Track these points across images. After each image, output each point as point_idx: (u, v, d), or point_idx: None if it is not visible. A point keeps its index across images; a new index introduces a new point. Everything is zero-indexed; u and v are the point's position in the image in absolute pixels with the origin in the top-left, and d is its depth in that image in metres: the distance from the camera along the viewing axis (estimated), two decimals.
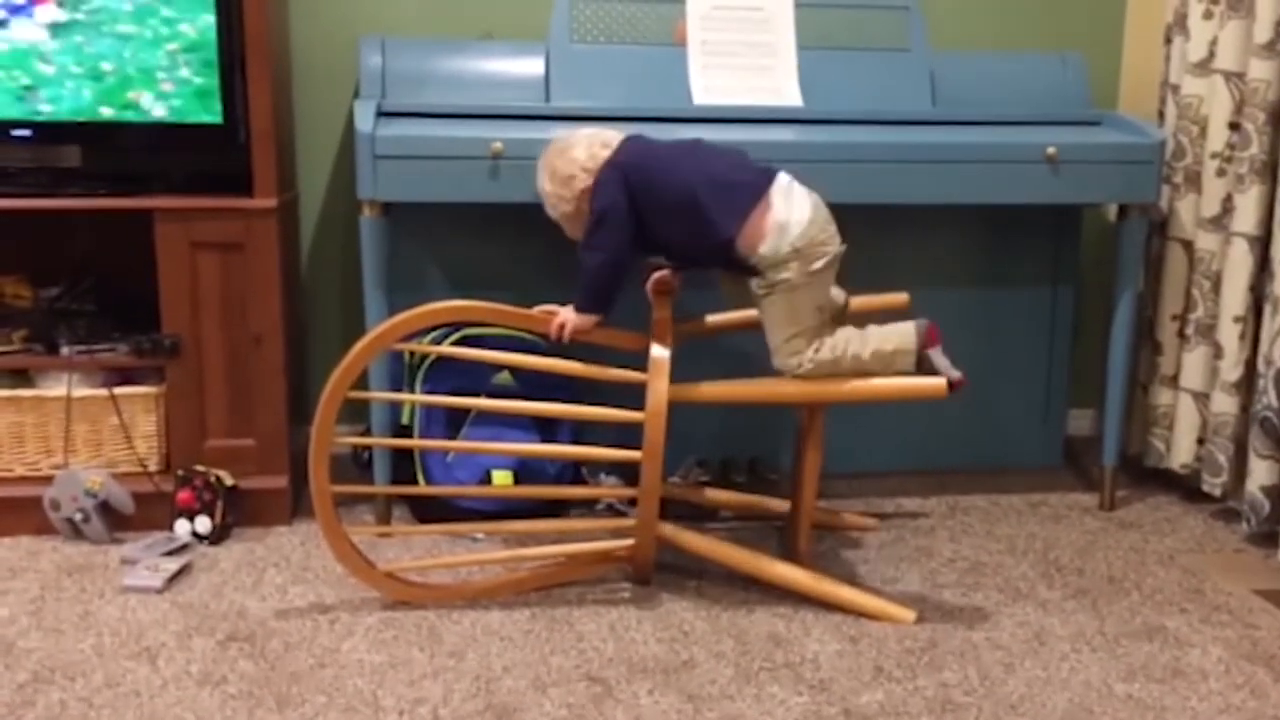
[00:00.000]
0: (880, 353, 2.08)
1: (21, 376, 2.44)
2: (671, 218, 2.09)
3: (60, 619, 2.03)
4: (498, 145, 2.28)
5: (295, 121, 2.76)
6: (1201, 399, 2.61)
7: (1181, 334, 2.66)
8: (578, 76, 2.56)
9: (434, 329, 2.49)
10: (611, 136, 2.17)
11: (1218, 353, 2.54)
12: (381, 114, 2.38)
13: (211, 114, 2.41)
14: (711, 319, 2.35)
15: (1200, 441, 2.63)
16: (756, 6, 2.58)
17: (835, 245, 2.10)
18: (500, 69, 2.62)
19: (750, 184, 2.08)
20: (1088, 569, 2.33)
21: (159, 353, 2.39)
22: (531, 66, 2.60)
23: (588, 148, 2.14)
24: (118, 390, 2.41)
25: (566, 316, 2.15)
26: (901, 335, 2.09)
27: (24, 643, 1.95)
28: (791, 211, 2.06)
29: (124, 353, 2.42)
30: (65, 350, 2.41)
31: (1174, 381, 2.68)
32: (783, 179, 2.10)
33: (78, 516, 2.31)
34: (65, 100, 2.38)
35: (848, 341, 2.09)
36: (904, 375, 2.10)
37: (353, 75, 2.67)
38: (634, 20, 2.60)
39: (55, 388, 2.41)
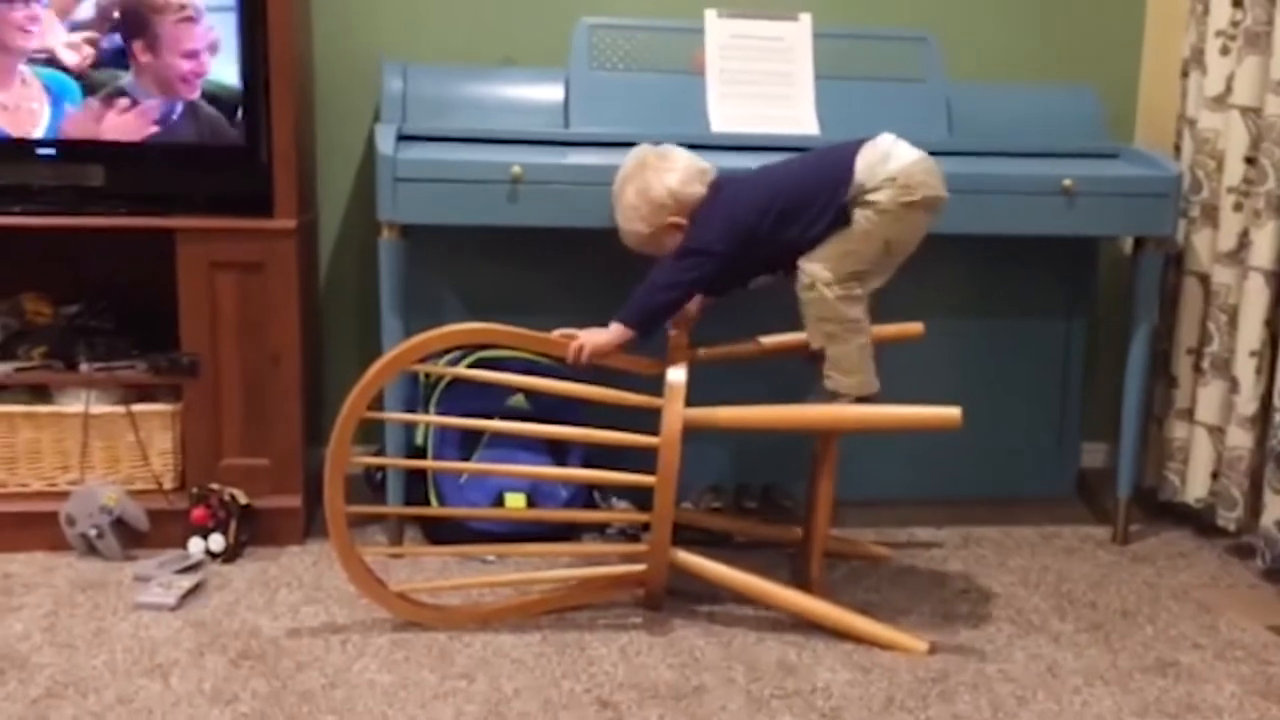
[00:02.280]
0: (841, 363, 2.12)
1: (41, 392, 2.46)
2: (780, 224, 2.10)
3: (74, 635, 2.04)
4: (517, 170, 2.30)
5: (316, 144, 2.79)
6: (1217, 433, 2.60)
7: (1197, 368, 2.65)
8: (597, 103, 2.58)
9: (449, 351, 2.50)
10: (708, 169, 2.18)
11: (1233, 387, 2.54)
12: (402, 137, 2.40)
13: (234, 135, 2.43)
14: (728, 346, 2.35)
15: (1215, 476, 2.62)
16: (775, 36, 2.60)
17: (937, 190, 2.11)
18: (520, 95, 2.65)
19: (848, 144, 2.13)
20: (1101, 602, 2.32)
21: (177, 371, 2.41)
22: (551, 92, 2.62)
23: (683, 176, 2.15)
24: (135, 407, 2.43)
25: (586, 339, 2.15)
26: (859, 382, 2.13)
27: (37, 658, 1.96)
28: (895, 146, 2.10)
29: (142, 370, 2.44)
30: (84, 367, 2.43)
31: (1189, 415, 2.68)
32: (883, 141, 2.13)
33: (92, 532, 2.32)
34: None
35: (853, 329, 2.10)
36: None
37: (373, 99, 2.69)
38: (653, 48, 2.62)
39: (73, 404, 2.42)
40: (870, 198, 2.07)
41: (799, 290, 2.14)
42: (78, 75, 2.38)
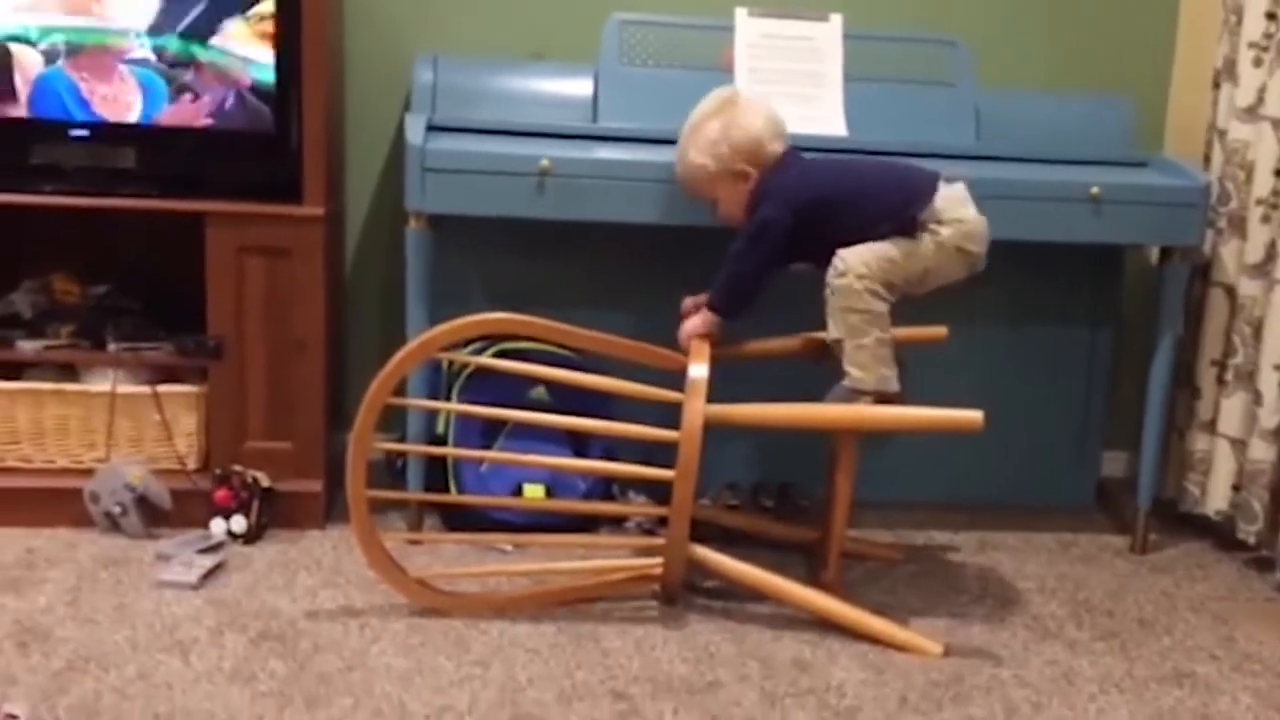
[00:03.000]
0: (858, 356, 2.13)
1: (68, 371, 2.48)
2: (847, 211, 2.15)
3: (96, 610, 2.06)
4: (545, 163, 2.30)
5: (346, 132, 2.81)
6: (1239, 445, 2.59)
7: (1220, 379, 2.64)
8: (625, 98, 2.59)
9: (473, 341, 2.51)
10: (786, 132, 2.22)
11: (1257, 399, 2.52)
12: (432, 128, 2.42)
13: (265, 121, 2.45)
14: (751, 343, 2.36)
15: (1236, 488, 2.61)
16: (805, 36, 2.60)
17: (982, 249, 2.18)
18: (549, 89, 2.66)
19: (926, 170, 2.20)
20: (1118, 611, 2.31)
21: (203, 353, 2.43)
22: (580, 87, 2.63)
23: (769, 127, 2.19)
24: (161, 388, 2.45)
25: (686, 329, 2.22)
26: (878, 377, 2.14)
27: (60, 631, 1.98)
28: (969, 197, 2.19)
29: (169, 352, 2.46)
30: (112, 347, 2.46)
31: (1211, 427, 2.66)
32: (957, 189, 2.19)
33: (116, 510, 2.35)
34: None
35: (874, 323, 2.12)
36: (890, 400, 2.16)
37: (404, 90, 2.71)
38: (682, 44, 2.62)
39: (100, 383, 2.45)
40: (937, 226, 2.14)
41: (830, 277, 2.14)
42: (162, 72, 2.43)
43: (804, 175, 2.19)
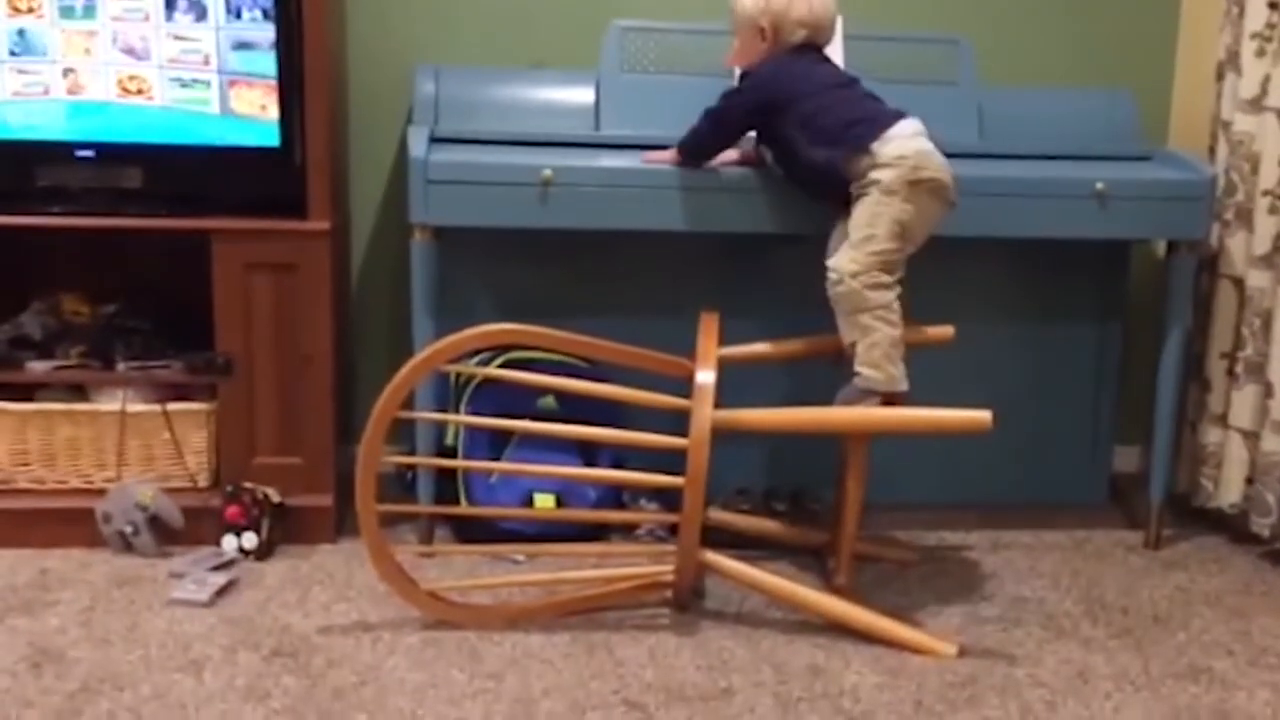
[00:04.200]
0: (871, 355, 2.13)
1: (78, 391, 2.49)
2: (800, 128, 2.21)
3: (109, 630, 2.07)
4: (547, 173, 2.31)
5: (349, 146, 2.81)
6: (1251, 438, 2.58)
7: (1231, 372, 2.63)
8: (627, 105, 2.59)
9: (480, 352, 2.52)
10: (824, 31, 2.30)
11: (1268, 391, 2.51)
12: (434, 140, 2.42)
13: (269, 137, 2.46)
14: (757, 348, 2.36)
15: (1249, 481, 2.60)
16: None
17: (942, 174, 2.15)
18: (551, 97, 2.66)
19: (878, 118, 2.19)
20: (1132, 608, 2.30)
21: (212, 370, 2.44)
22: (582, 95, 2.63)
23: (807, 13, 2.25)
24: (170, 406, 2.46)
25: (659, 154, 2.36)
26: (888, 376, 2.14)
27: (74, 652, 1.99)
28: (907, 130, 2.17)
29: (178, 370, 2.47)
30: (121, 366, 2.47)
31: (1223, 420, 2.65)
32: (913, 124, 2.19)
33: (128, 529, 2.35)
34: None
35: (883, 319, 2.13)
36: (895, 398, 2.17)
37: (406, 102, 2.71)
38: (683, 50, 2.62)
39: (110, 403, 2.46)
40: (876, 175, 2.13)
41: (830, 290, 2.16)
42: None
43: (785, 73, 2.25)
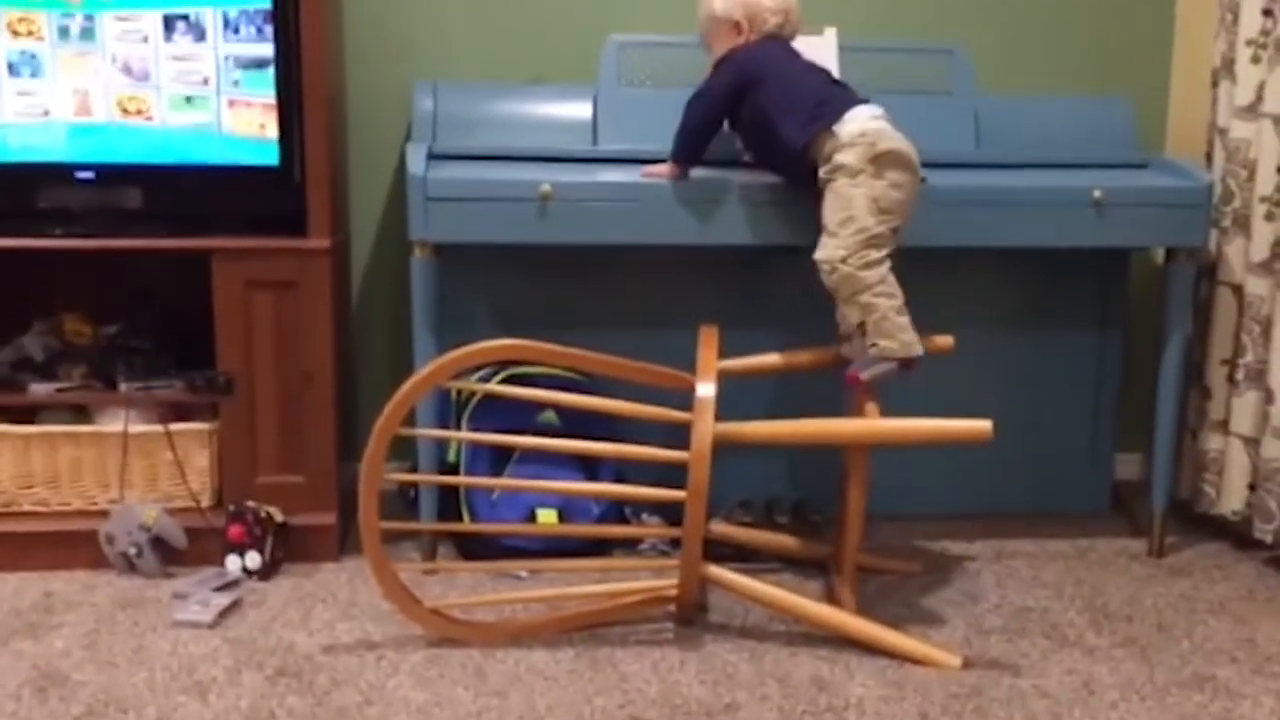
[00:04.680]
0: (882, 327, 2.16)
1: (81, 412, 2.50)
2: (774, 105, 2.26)
3: (114, 652, 2.07)
4: (546, 188, 2.31)
5: (348, 163, 2.82)
6: (1252, 444, 2.58)
7: (1231, 379, 2.63)
8: (625, 119, 2.60)
9: (481, 368, 2.52)
10: (788, 25, 2.37)
11: (1268, 398, 2.51)
12: (433, 156, 2.43)
13: (268, 156, 2.47)
14: (757, 360, 2.36)
15: (1251, 488, 2.60)
16: (802, 51, 2.60)
17: (901, 145, 2.18)
18: (549, 112, 2.67)
19: (842, 100, 2.24)
20: (1137, 616, 2.30)
21: (214, 390, 2.44)
22: (579, 110, 2.64)
23: (775, 6, 2.35)
24: (173, 426, 2.46)
25: (656, 169, 2.37)
26: (902, 343, 2.16)
27: (79, 675, 1.99)
28: (866, 113, 2.21)
29: (180, 389, 2.47)
30: (123, 386, 2.47)
31: (1224, 427, 2.65)
32: (872, 109, 2.22)
33: (132, 551, 2.36)
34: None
35: (883, 294, 2.15)
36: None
37: (405, 118, 2.72)
38: (680, 64, 2.63)
39: (113, 423, 2.46)
40: (841, 160, 2.17)
41: (825, 281, 2.19)
42: None
43: (762, 52, 2.32)
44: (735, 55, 2.35)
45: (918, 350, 2.19)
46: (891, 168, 2.17)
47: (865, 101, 2.25)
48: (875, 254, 2.16)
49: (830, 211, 2.18)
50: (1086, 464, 2.87)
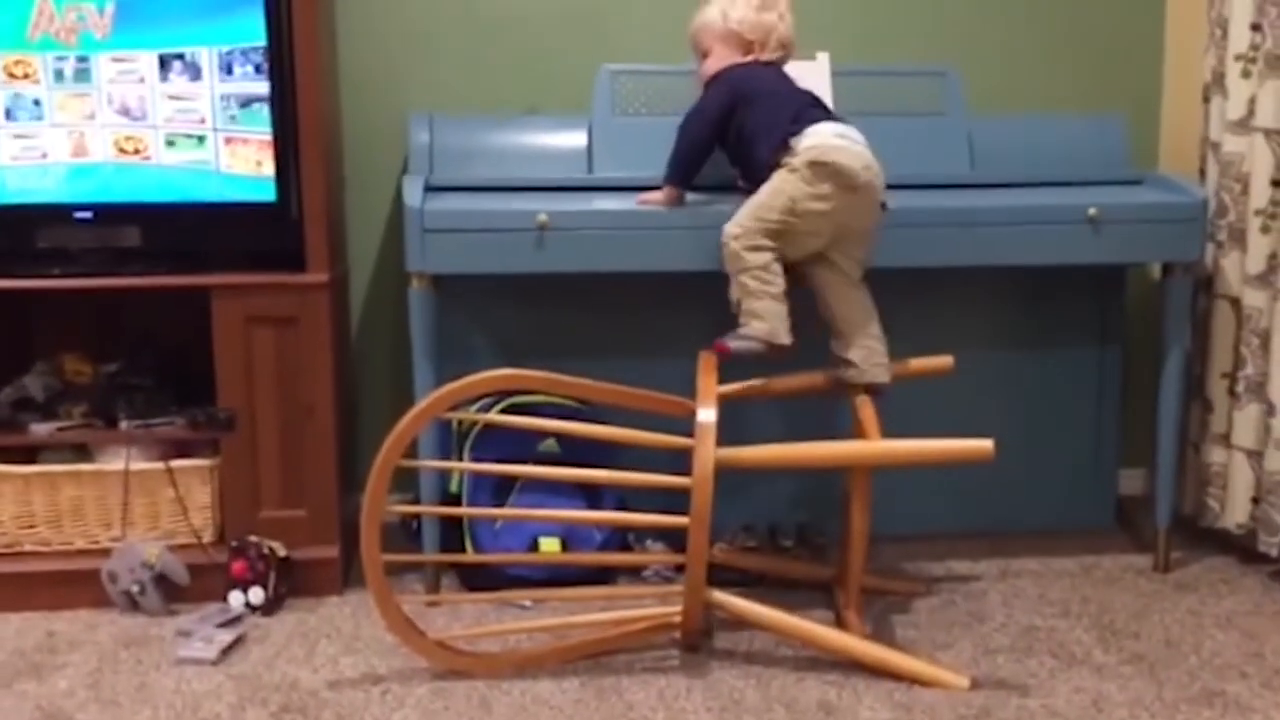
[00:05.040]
0: (754, 307, 2.21)
1: (82, 451, 2.50)
2: (754, 124, 2.31)
3: (117, 691, 2.06)
4: (543, 218, 2.32)
5: (345, 197, 2.83)
6: (1255, 457, 2.58)
7: (1232, 392, 2.63)
8: (620, 148, 2.61)
9: (481, 398, 2.52)
10: (784, 47, 2.42)
11: (1270, 410, 2.51)
12: (429, 188, 2.44)
13: (265, 193, 2.48)
14: (757, 384, 2.36)
15: (1255, 500, 2.59)
16: (795, 76, 2.61)
17: (845, 160, 2.20)
18: (544, 142, 2.68)
19: (810, 118, 2.27)
20: (1144, 633, 2.29)
21: (214, 426, 2.45)
22: (574, 139, 2.66)
23: (777, 38, 2.40)
24: (174, 463, 2.46)
25: (653, 195, 2.40)
26: (770, 328, 2.20)
27: (83, 715, 1.98)
28: (828, 129, 2.24)
29: (181, 426, 2.48)
30: (124, 424, 2.47)
31: (1226, 440, 2.65)
32: (844, 128, 2.26)
33: (134, 589, 2.35)
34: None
35: (762, 279, 2.20)
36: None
37: (400, 151, 2.74)
38: (674, 92, 2.64)
39: (114, 461, 2.46)
40: (790, 159, 2.23)
41: (721, 250, 2.27)
42: None
43: (754, 74, 2.36)
44: (730, 74, 2.37)
45: (783, 340, 2.21)
46: (825, 180, 2.19)
47: (840, 120, 2.28)
48: (765, 241, 2.21)
49: (754, 197, 2.25)
50: (1090, 480, 2.86)
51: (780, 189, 2.22)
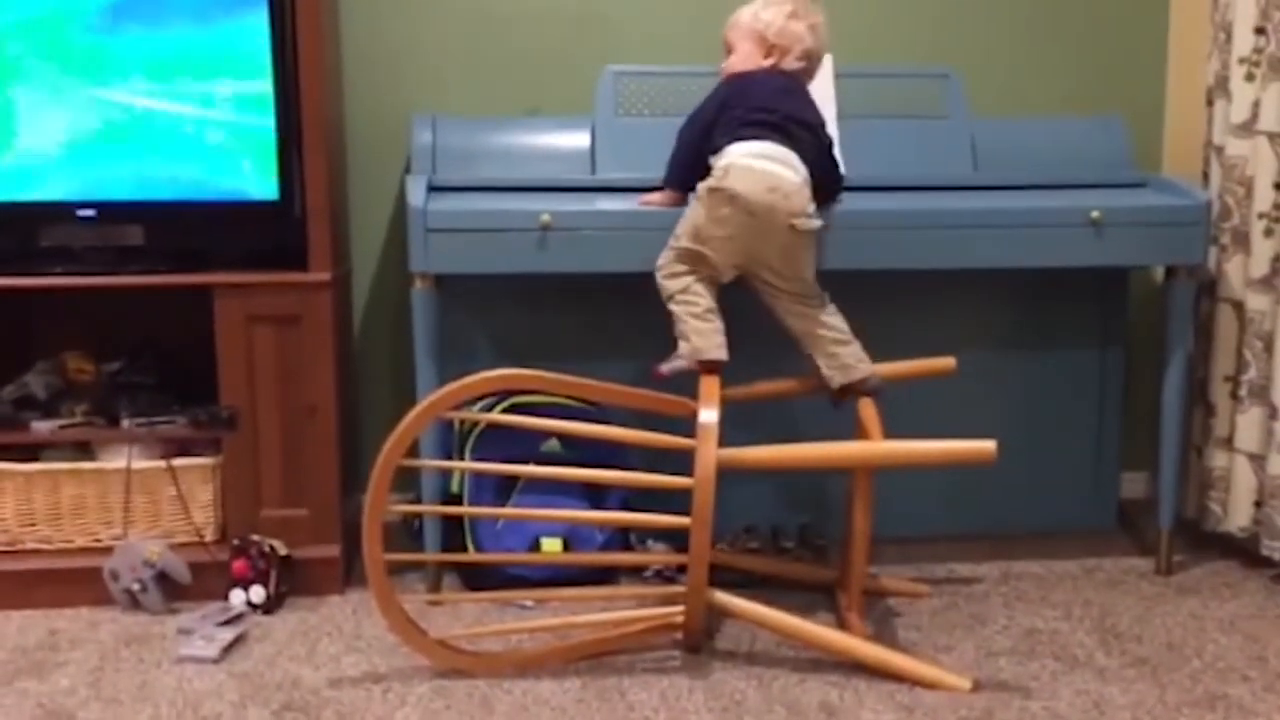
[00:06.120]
0: (682, 330, 2.25)
1: (84, 449, 2.50)
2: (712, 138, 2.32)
3: (119, 689, 2.06)
4: (546, 218, 2.32)
5: (348, 197, 2.84)
6: (1257, 461, 2.57)
7: (1234, 395, 2.63)
8: (622, 148, 2.61)
9: (483, 398, 2.52)
10: (812, 58, 2.41)
11: (1272, 414, 2.51)
12: (432, 189, 2.44)
13: (268, 192, 2.48)
14: (759, 386, 2.36)
15: (1258, 504, 2.59)
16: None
17: (736, 186, 2.19)
18: (547, 143, 2.69)
19: (741, 135, 2.26)
20: (1146, 636, 2.29)
21: (216, 425, 2.44)
22: (577, 140, 2.66)
23: (805, 51, 2.38)
24: (176, 462, 2.46)
25: (653, 196, 2.42)
26: (694, 347, 2.23)
27: (84, 713, 1.98)
28: (745, 149, 2.23)
29: (182, 425, 2.47)
30: (126, 423, 2.47)
31: (1228, 443, 2.65)
32: (762, 146, 2.24)
33: (136, 587, 2.35)
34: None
35: (684, 302, 2.25)
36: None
37: (403, 152, 2.74)
38: (676, 92, 2.65)
39: (116, 460, 2.46)
40: (700, 183, 2.25)
41: None
42: None
43: (749, 82, 2.34)
44: (732, 81, 2.36)
45: (715, 355, 2.23)
46: (724, 204, 2.20)
47: (762, 138, 2.24)
48: (680, 268, 2.25)
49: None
50: (1092, 483, 2.86)
51: (688, 215, 2.26)
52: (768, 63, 2.37)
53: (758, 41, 2.38)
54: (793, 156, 2.24)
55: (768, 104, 2.30)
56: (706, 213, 2.22)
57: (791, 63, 2.37)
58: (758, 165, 2.21)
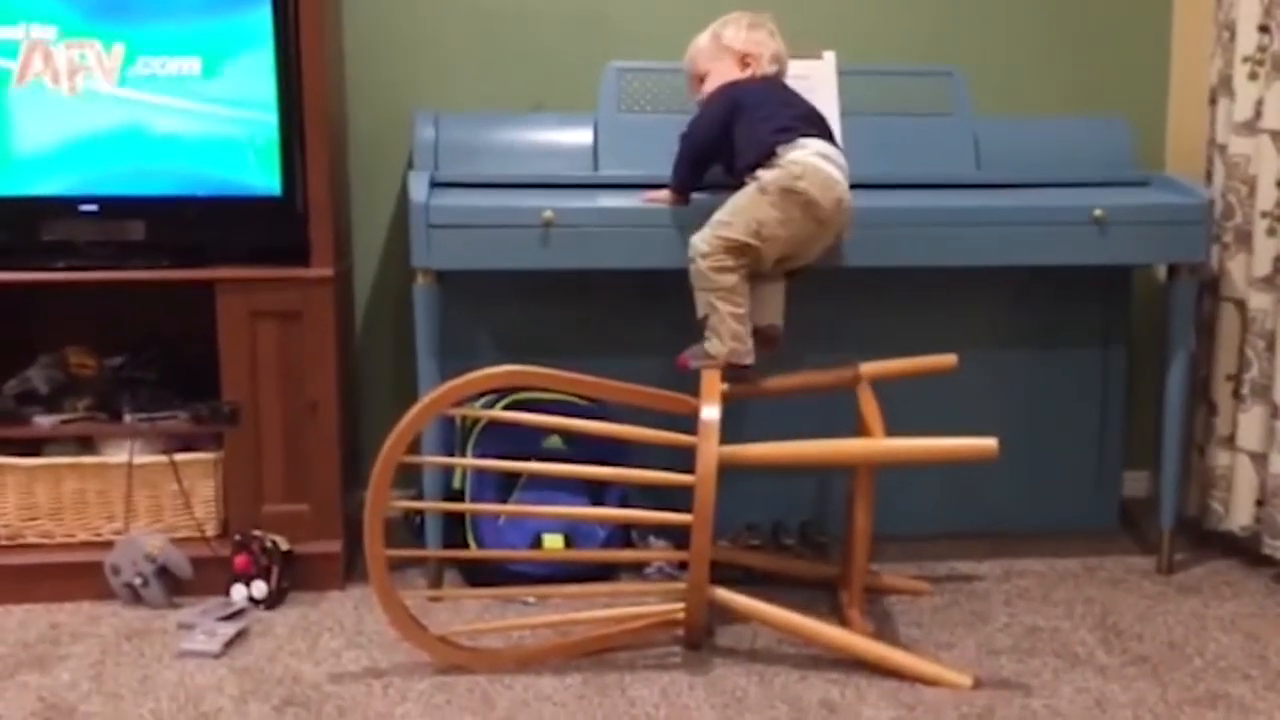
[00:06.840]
0: (717, 329, 2.22)
1: (86, 444, 2.50)
2: (743, 134, 2.29)
3: (120, 684, 2.06)
4: (548, 214, 2.32)
5: (350, 193, 2.83)
6: (1259, 460, 2.57)
7: (1237, 394, 2.63)
8: (625, 145, 2.61)
9: (485, 394, 2.52)
10: (779, 61, 2.40)
11: (1274, 413, 2.51)
12: (435, 184, 2.44)
13: (271, 187, 2.48)
14: (763, 383, 2.36)
15: (1259, 503, 2.59)
16: (801, 75, 2.61)
17: (816, 192, 2.19)
18: (549, 139, 2.68)
19: (800, 130, 2.26)
20: (1147, 634, 2.29)
21: (218, 420, 2.44)
22: (580, 136, 2.66)
23: (773, 55, 2.38)
24: (178, 457, 2.46)
25: (656, 194, 2.40)
26: (730, 349, 2.21)
27: (85, 707, 1.98)
28: (814, 146, 2.23)
29: (185, 420, 2.47)
30: (128, 418, 2.47)
31: (1230, 442, 2.64)
32: (823, 145, 2.25)
33: (137, 581, 2.35)
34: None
35: (728, 300, 2.20)
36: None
37: (406, 147, 2.74)
38: (680, 90, 2.64)
39: (118, 454, 2.46)
40: (763, 172, 2.22)
41: (689, 264, 2.25)
42: None
43: (750, 86, 2.34)
44: (730, 88, 2.35)
45: (745, 360, 2.23)
46: (793, 206, 2.20)
47: (823, 137, 2.27)
48: (730, 261, 2.20)
49: (724, 208, 2.24)
50: (1094, 482, 2.86)
51: (747, 209, 2.21)
52: (746, 74, 2.37)
53: (731, 57, 2.38)
54: (841, 156, 2.27)
55: (792, 100, 2.33)
56: (777, 213, 2.19)
57: (767, 67, 2.38)
58: (824, 168, 2.21)
